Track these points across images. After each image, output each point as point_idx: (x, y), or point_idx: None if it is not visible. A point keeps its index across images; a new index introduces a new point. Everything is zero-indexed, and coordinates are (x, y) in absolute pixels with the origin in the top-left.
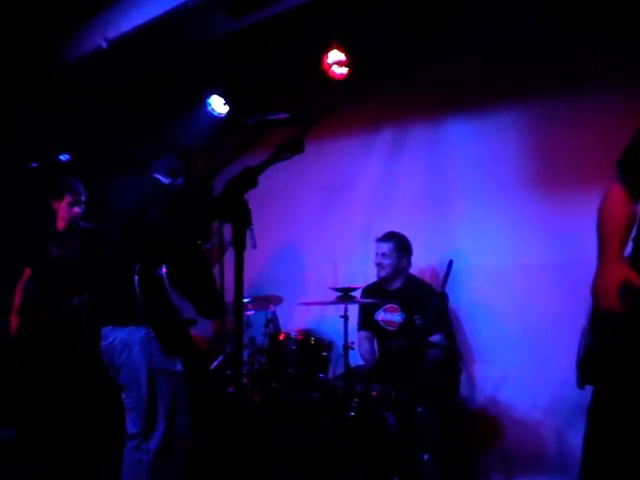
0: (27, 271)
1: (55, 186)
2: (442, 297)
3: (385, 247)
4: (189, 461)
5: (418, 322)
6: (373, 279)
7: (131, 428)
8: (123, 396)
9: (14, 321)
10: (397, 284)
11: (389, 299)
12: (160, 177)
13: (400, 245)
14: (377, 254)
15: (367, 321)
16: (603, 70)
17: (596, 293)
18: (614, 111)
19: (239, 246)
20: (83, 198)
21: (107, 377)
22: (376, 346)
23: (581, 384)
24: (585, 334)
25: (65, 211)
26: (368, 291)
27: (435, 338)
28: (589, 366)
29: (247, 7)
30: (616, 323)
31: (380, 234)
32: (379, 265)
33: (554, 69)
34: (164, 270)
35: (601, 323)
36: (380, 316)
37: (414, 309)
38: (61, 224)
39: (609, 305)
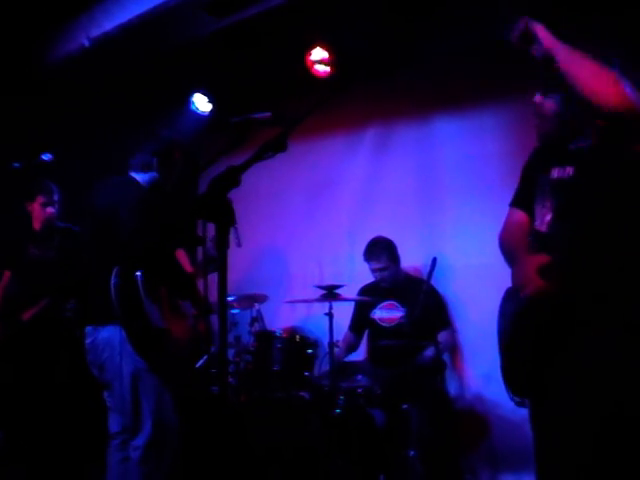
0: (6, 273)
1: (26, 188)
2: (431, 293)
3: (381, 263)
4: (177, 459)
5: (414, 315)
6: (358, 277)
7: (113, 427)
8: (105, 395)
9: None
10: (401, 279)
11: (387, 297)
12: (136, 175)
13: (391, 254)
14: (373, 270)
15: (360, 322)
16: None
17: (518, 284)
18: None
19: (222, 245)
20: (56, 198)
21: (91, 376)
22: (366, 344)
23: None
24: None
25: (39, 212)
26: (365, 291)
27: (442, 337)
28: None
29: (231, 6)
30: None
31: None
32: (380, 279)
33: (539, 67)
34: (139, 273)
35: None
36: (377, 314)
37: (413, 303)
38: (37, 225)
39: (534, 288)
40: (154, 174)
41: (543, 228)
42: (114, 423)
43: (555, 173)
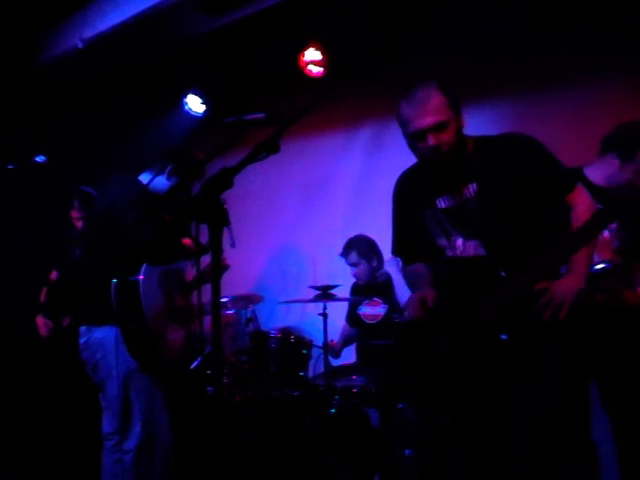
0: (53, 273)
1: (66, 195)
2: None
3: (352, 257)
4: (170, 460)
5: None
6: (353, 277)
7: (106, 427)
8: (100, 395)
9: (41, 321)
10: (382, 278)
11: (371, 293)
12: (145, 178)
13: (361, 250)
14: (349, 265)
15: (352, 316)
16: (579, 66)
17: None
18: (591, 106)
19: (216, 247)
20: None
21: (86, 376)
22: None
23: None
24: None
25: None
26: (357, 287)
27: None
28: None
29: (225, 6)
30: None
31: (357, 233)
32: (355, 275)
33: (531, 66)
34: (142, 276)
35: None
36: (362, 310)
37: (397, 301)
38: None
39: (412, 313)
40: (165, 181)
41: (457, 252)
42: (108, 423)
43: (443, 202)
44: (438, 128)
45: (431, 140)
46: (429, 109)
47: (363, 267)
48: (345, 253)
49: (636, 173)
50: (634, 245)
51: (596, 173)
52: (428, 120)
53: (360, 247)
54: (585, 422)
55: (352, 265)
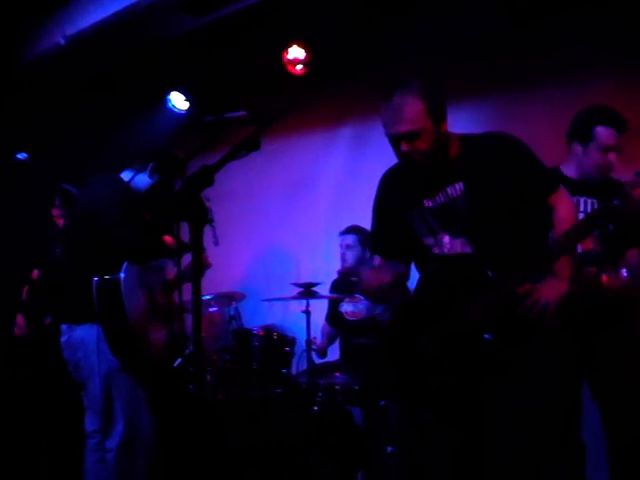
0: (35, 272)
1: (48, 193)
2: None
3: (349, 239)
4: (153, 458)
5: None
6: (335, 275)
7: (89, 426)
8: (82, 394)
9: (21, 320)
10: (357, 271)
11: (353, 290)
12: (127, 175)
13: (362, 237)
14: (341, 246)
15: (333, 314)
16: (566, 63)
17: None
18: (579, 104)
19: (196, 245)
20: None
21: (68, 375)
22: (339, 342)
23: None
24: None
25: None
26: (336, 284)
27: None
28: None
29: (208, 4)
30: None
31: (340, 231)
32: (343, 256)
33: (517, 63)
34: (123, 275)
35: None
36: (343, 307)
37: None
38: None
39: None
40: (147, 179)
41: (445, 250)
42: (90, 422)
43: (430, 202)
44: (410, 137)
45: (404, 146)
46: (402, 117)
47: (355, 252)
48: (346, 232)
49: (600, 150)
50: (615, 233)
51: (569, 168)
52: (400, 128)
53: (361, 234)
54: (574, 422)
55: (346, 246)
